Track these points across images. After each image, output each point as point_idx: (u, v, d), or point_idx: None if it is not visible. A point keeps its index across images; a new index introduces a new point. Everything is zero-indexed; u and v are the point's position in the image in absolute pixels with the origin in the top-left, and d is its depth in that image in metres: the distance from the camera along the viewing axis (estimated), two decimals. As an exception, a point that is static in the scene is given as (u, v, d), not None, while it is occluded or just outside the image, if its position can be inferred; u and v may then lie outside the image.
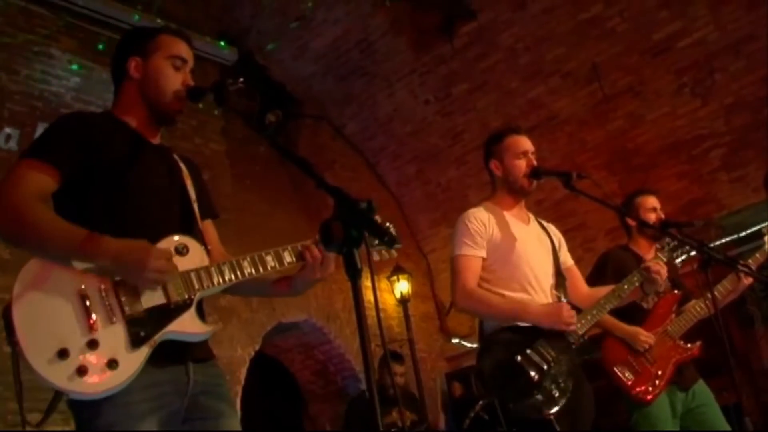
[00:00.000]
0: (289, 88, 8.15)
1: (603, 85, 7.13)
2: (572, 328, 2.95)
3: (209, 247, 2.19)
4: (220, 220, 2.40)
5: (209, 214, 2.34)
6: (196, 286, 1.99)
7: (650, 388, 3.73)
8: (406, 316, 7.98)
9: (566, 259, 3.33)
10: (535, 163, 3.18)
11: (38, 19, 6.08)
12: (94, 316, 1.83)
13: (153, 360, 1.89)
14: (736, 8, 6.41)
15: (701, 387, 3.87)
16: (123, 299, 1.88)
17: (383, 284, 8.00)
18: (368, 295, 2.33)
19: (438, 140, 8.24)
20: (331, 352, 7.87)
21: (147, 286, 1.91)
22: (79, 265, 1.87)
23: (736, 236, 6.53)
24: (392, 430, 5.96)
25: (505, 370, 2.86)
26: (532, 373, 2.83)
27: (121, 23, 6.27)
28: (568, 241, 3.44)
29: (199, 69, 2.32)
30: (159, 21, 6.18)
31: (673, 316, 3.92)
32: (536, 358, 2.88)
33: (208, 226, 2.32)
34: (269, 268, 2.09)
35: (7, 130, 5.62)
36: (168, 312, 1.93)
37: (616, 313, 3.56)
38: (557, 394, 2.85)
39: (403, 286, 7.99)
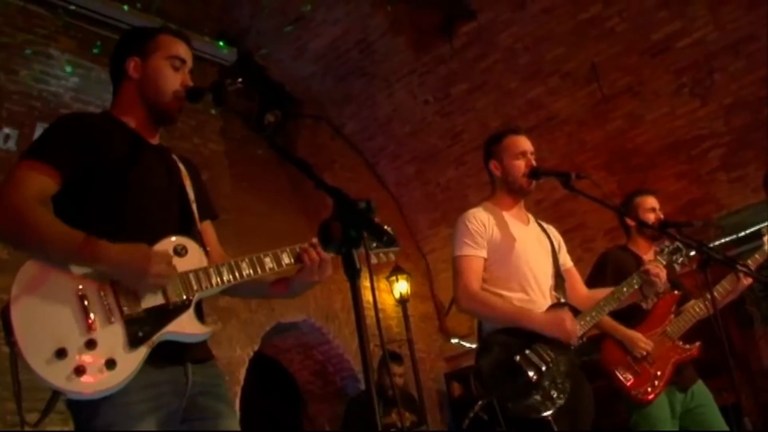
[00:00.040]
0: (288, 88, 8.14)
1: (602, 85, 7.13)
2: (574, 341, 2.95)
3: (208, 248, 2.18)
4: (219, 220, 2.40)
5: (208, 215, 2.33)
6: (195, 288, 1.99)
7: (649, 389, 3.72)
8: (405, 317, 7.97)
9: (566, 260, 3.33)
10: (534, 163, 3.18)
11: (37, 19, 6.07)
12: (92, 316, 1.83)
13: (151, 360, 1.89)
14: (736, 8, 6.41)
15: (700, 387, 3.87)
16: (122, 299, 1.88)
17: (382, 284, 7.99)
18: (367, 296, 2.32)
19: (437, 140, 8.23)
20: (330, 352, 7.86)
21: (147, 291, 1.91)
22: (77, 270, 1.86)
23: (735, 236, 6.53)
24: (391, 430, 5.95)
25: (503, 371, 2.86)
26: (531, 374, 2.83)
27: (120, 23, 6.26)
28: (567, 241, 3.44)
29: (198, 69, 2.32)
30: (158, 21, 6.17)
31: (672, 316, 3.92)
32: (535, 359, 2.88)
33: (207, 227, 2.31)
34: (267, 269, 2.09)
35: (6, 130, 5.61)
36: (167, 312, 1.93)
37: (616, 313, 3.54)
38: (556, 395, 2.85)
39: (402, 286, 7.98)
